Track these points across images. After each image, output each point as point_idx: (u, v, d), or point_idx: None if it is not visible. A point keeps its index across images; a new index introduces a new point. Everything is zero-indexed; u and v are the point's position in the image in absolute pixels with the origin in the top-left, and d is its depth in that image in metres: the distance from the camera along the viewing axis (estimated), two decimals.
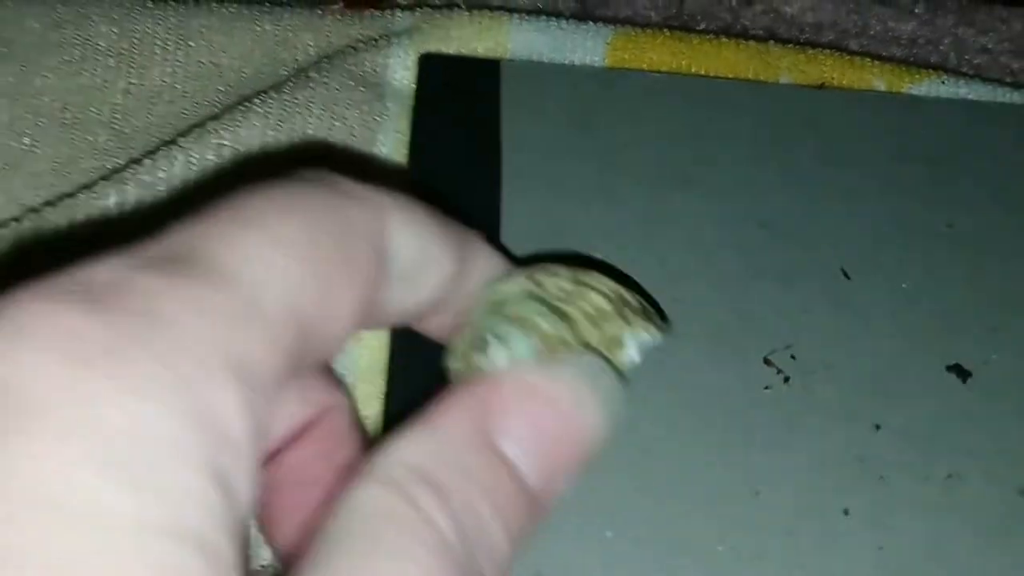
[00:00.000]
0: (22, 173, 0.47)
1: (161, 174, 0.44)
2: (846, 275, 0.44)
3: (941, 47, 0.63)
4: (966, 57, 0.63)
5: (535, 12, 0.58)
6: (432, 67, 0.51)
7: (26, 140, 0.48)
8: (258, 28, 0.53)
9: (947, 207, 0.47)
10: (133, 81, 0.51)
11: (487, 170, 0.47)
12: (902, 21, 0.64)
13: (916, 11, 0.65)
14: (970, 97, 0.55)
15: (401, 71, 0.52)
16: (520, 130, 0.48)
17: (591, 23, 0.55)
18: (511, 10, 0.56)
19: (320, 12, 0.55)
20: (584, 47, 0.54)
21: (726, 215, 0.46)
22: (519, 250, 0.43)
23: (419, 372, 0.36)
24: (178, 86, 0.51)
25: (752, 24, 0.62)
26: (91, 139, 0.49)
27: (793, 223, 0.46)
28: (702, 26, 0.62)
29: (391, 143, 0.49)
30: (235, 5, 0.54)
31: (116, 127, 0.49)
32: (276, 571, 0.36)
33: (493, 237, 0.41)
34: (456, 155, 0.48)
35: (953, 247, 0.46)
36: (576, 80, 0.51)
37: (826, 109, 0.52)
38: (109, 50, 0.51)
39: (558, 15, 0.59)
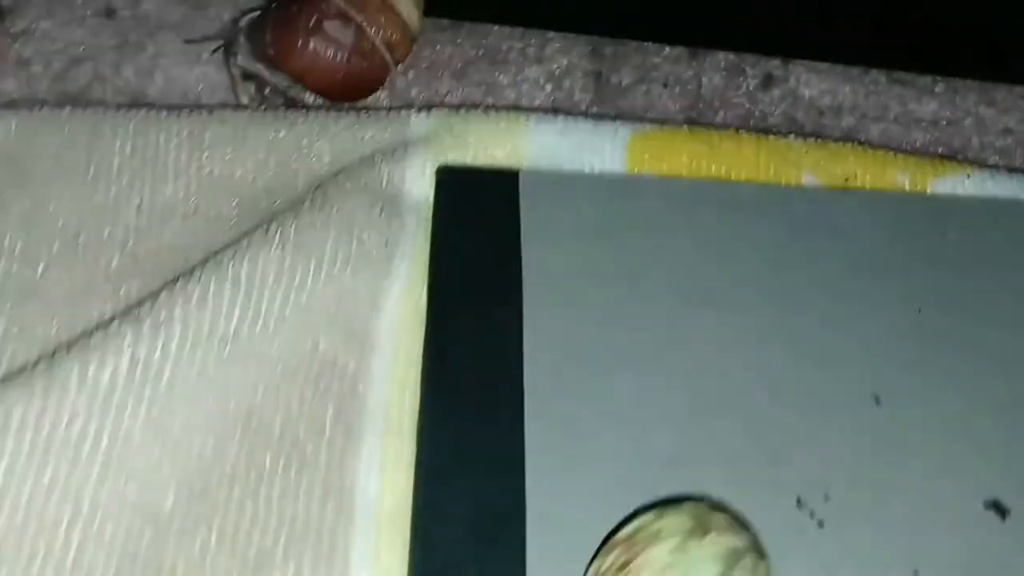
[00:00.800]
0: (36, 302, 0.46)
1: (178, 310, 0.43)
2: (877, 401, 0.43)
3: (963, 128, 0.62)
4: (988, 139, 0.62)
5: (551, 110, 0.57)
6: (450, 181, 0.50)
7: (40, 267, 0.47)
8: (272, 136, 0.52)
9: (978, 319, 0.46)
10: (146, 200, 0.50)
11: (508, 288, 0.47)
12: (923, 102, 0.63)
13: (936, 90, 0.64)
14: (996, 193, 0.53)
15: (419, 182, 0.51)
16: (540, 245, 0.48)
17: (609, 122, 0.54)
18: (527, 109, 0.55)
19: (335, 115, 0.54)
20: (603, 150, 0.53)
21: (753, 335, 0.45)
22: (542, 371, 0.43)
23: (446, 516, 0.35)
24: (192, 201, 0.50)
25: (770, 110, 0.61)
26: (104, 262, 0.48)
27: (821, 342, 0.45)
28: (720, 115, 0.61)
29: (408, 264, 0.48)
30: (249, 113, 0.53)
31: (128, 250, 0.48)
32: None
33: (515, 356, 0.41)
34: (477, 272, 0.47)
35: (986, 365, 0.45)
36: (596, 190, 0.50)
37: (850, 211, 0.51)
38: (122, 167, 0.50)
39: (574, 110, 0.58)
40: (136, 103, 0.57)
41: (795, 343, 0.45)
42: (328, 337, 0.46)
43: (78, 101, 0.58)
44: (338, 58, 0.53)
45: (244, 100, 0.56)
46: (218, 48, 0.57)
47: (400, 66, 0.60)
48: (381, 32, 0.55)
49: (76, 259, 0.48)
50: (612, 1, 0.60)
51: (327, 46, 0.53)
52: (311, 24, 0.53)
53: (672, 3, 0.60)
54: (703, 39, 0.63)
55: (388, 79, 0.57)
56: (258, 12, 0.57)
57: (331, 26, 0.54)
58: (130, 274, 0.47)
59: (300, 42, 0.53)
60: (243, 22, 0.56)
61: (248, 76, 0.56)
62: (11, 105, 0.56)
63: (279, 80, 0.55)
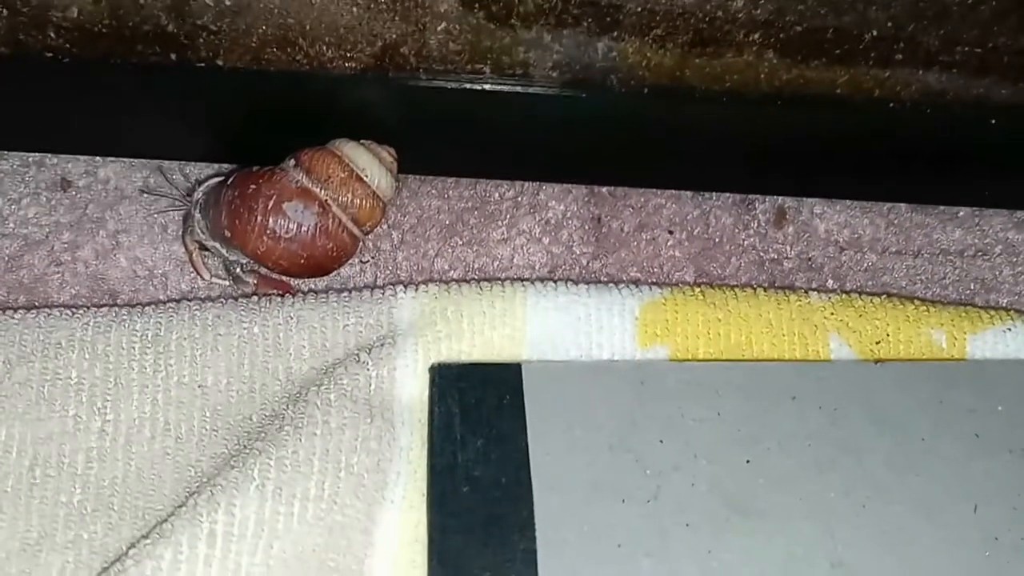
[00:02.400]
0: None
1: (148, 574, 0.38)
2: None
3: (994, 259, 0.57)
4: (1021, 269, 0.57)
5: (550, 275, 0.52)
6: (446, 381, 0.45)
7: None
8: (245, 331, 0.47)
9: None
10: (109, 418, 0.45)
11: (518, 507, 0.42)
12: (947, 230, 0.58)
13: (960, 215, 0.59)
14: None
15: (410, 382, 0.46)
16: (550, 455, 0.43)
17: (614, 292, 0.49)
18: (523, 280, 0.50)
19: (311, 301, 0.48)
20: (611, 326, 0.48)
21: (792, 551, 0.42)
22: None
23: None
24: (160, 417, 0.45)
25: (785, 251, 0.56)
26: (64, 500, 0.43)
27: (862, 560, 0.40)
28: (732, 261, 0.55)
29: (403, 485, 0.43)
30: (218, 305, 0.48)
31: (91, 480, 0.43)
32: None
33: None
34: (482, 492, 0.42)
35: None
36: (607, 381, 0.46)
37: (883, 386, 0.46)
38: (81, 382, 0.45)
39: (575, 265, 0.54)
40: (95, 291, 0.52)
41: (838, 563, 0.40)
42: None
43: (32, 293, 0.52)
44: (299, 240, 0.49)
45: (205, 276, 0.51)
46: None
47: (382, 226, 0.55)
48: (347, 207, 0.50)
49: (31, 500, 0.42)
50: (607, 152, 0.55)
51: (288, 227, 0.48)
52: (270, 205, 0.48)
53: (673, 152, 0.55)
54: (708, 184, 0.58)
55: (359, 248, 0.52)
56: (217, 179, 0.52)
57: (291, 207, 0.49)
58: (93, 512, 0.42)
59: (257, 226, 0.48)
60: (198, 194, 0.51)
61: (206, 249, 0.52)
62: None
63: (238, 258, 0.50)
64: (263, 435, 0.43)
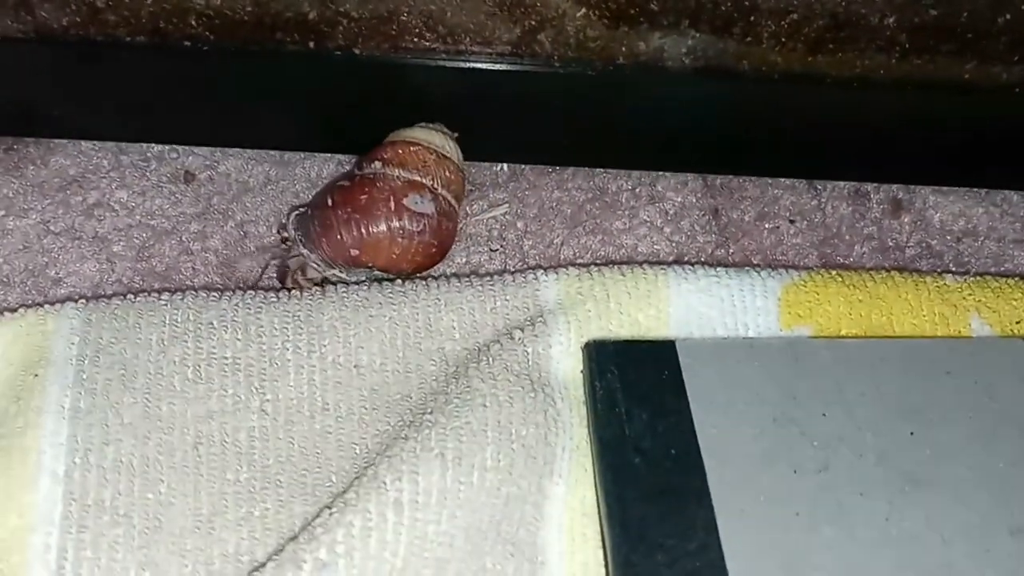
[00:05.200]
0: (163, 535, 0.40)
1: (340, 547, 0.37)
2: None
3: None
4: None
5: (687, 263, 0.52)
6: (603, 357, 0.45)
7: (162, 488, 0.41)
8: (395, 313, 0.47)
9: None
10: (268, 397, 0.44)
11: (690, 475, 0.42)
12: None
13: None
14: None
15: (564, 360, 0.46)
16: (715, 425, 0.44)
17: (754, 275, 0.49)
18: (663, 263, 0.50)
19: (456, 284, 0.48)
20: (754, 306, 0.48)
21: (969, 520, 0.42)
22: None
23: None
24: (318, 397, 0.45)
25: (904, 239, 0.57)
26: (231, 477, 0.42)
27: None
28: (856, 249, 0.56)
29: (568, 458, 0.43)
30: (364, 288, 0.48)
31: (256, 458, 0.43)
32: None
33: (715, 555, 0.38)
34: (651, 459, 0.42)
35: None
36: (760, 357, 0.46)
37: None
38: (236, 362, 0.45)
39: (700, 254, 0.55)
40: (228, 279, 0.52)
41: (1011, 526, 0.40)
42: (494, 556, 0.40)
43: (166, 280, 0.52)
44: (429, 229, 0.50)
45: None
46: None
47: (507, 216, 0.55)
48: (447, 185, 0.51)
49: (199, 476, 0.42)
50: (727, 141, 0.55)
51: (417, 221, 0.48)
52: (392, 207, 0.48)
53: (788, 139, 0.55)
54: (822, 172, 0.59)
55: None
56: (298, 212, 0.52)
57: (411, 202, 0.49)
58: (261, 490, 0.42)
59: (389, 230, 0.48)
60: (294, 234, 0.50)
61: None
62: (97, 289, 0.51)
63: (361, 276, 0.50)
64: (429, 409, 0.43)
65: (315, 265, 0.49)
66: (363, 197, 0.48)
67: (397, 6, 0.50)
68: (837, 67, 0.52)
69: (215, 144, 0.57)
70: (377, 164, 0.50)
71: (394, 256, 0.48)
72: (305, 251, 0.49)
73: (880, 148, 0.57)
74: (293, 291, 0.48)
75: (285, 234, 0.50)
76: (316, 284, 0.49)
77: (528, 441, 0.42)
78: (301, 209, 0.51)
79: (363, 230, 0.48)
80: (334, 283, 0.49)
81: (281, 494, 0.42)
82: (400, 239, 0.48)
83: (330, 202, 0.48)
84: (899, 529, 0.41)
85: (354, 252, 0.48)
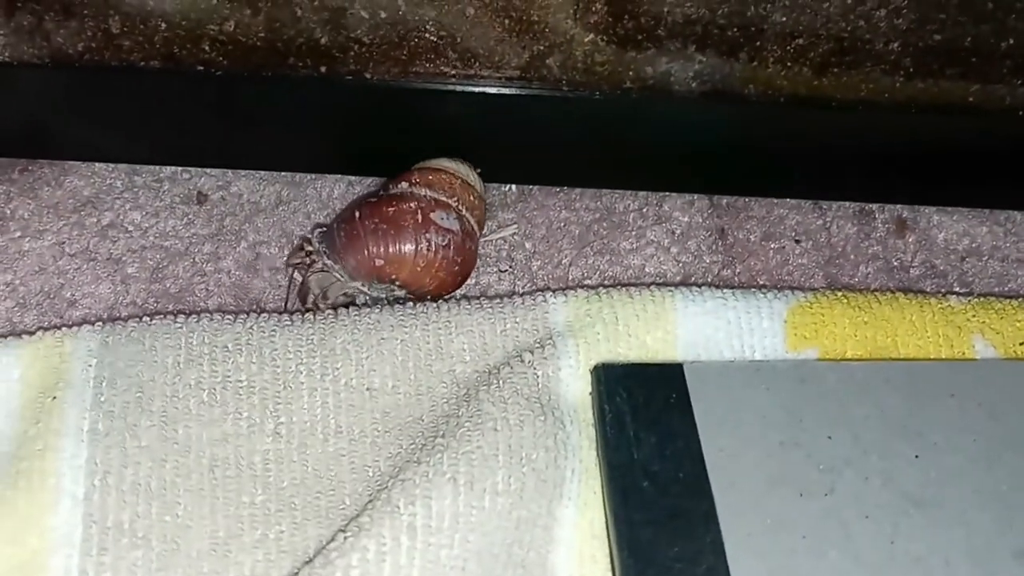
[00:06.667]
0: (180, 558, 0.41)
1: (355, 572, 0.38)
2: None
3: None
4: None
5: (693, 285, 0.53)
6: (611, 380, 0.46)
7: (179, 512, 0.42)
8: (407, 335, 0.48)
9: None
10: (282, 420, 0.45)
11: (699, 499, 0.43)
12: None
13: None
14: None
15: (573, 382, 0.47)
16: (722, 449, 0.44)
17: (760, 296, 0.50)
18: (669, 285, 0.51)
19: (466, 306, 0.49)
20: (760, 328, 0.49)
21: (973, 542, 0.42)
22: None
23: None
24: (331, 420, 0.46)
25: (909, 259, 0.57)
26: (247, 500, 0.43)
27: None
28: (860, 269, 0.56)
29: (578, 481, 0.44)
30: (376, 311, 0.49)
31: (271, 481, 0.44)
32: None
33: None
34: (659, 483, 0.43)
35: None
36: (766, 380, 0.47)
37: None
38: (251, 385, 0.46)
39: (707, 274, 0.56)
40: (241, 301, 0.53)
41: (1015, 548, 0.40)
42: None
43: (180, 301, 0.53)
44: (454, 245, 0.51)
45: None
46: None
47: (515, 237, 0.56)
48: (471, 209, 0.53)
49: (215, 499, 0.43)
50: (733, 162, 0.56)
51: (442, 236, 0.49)
52: (419, 219, 0.49)
53: (794, 160, 0.56)
54: (827, 193, 0.59)
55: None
56: (321, 230, 0.52)
57: (438, 216, 0.50)
58: (277, 513, 0.42)
59: (414, 241, 0.49)
60: (319, 247, 0.51)
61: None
62: (111, 310, 0.51)
63: (384, 292, 0.51)
64: (441, 432, 0.43)
65: (338, 276, 0.50)
66: (391, 210, 0.49)
67: (408, 32, 0.50)
68: (842, 90, 0.53)
69: (227, 166, 0.58)
70: (404, 185, 0.51)
71: (418, 269, 0.49)
72: (329, 262, 0.49)
73: (885, 169, 0.57)
74: (307, 314, 0.48)
75: (309, 248, 0.51)
76: (337, 307, 0.49)
77: (538, 464, 0.43)
78: (324, 228, 0.52)
79: (389, 241, 0.49)
80: (356, 304, 0.50)
81: (296, 516, 0.43)
82: (426, 252, 0.49)
83: (358, 215, 0.50)
84: (904, 551, 0.41)
85: (379, 263, 0.49)
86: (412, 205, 0.49)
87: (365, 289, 0.50)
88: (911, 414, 0.45)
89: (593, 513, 0.44)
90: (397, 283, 0.49)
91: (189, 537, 0.42)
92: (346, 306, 0.50)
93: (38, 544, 0.40)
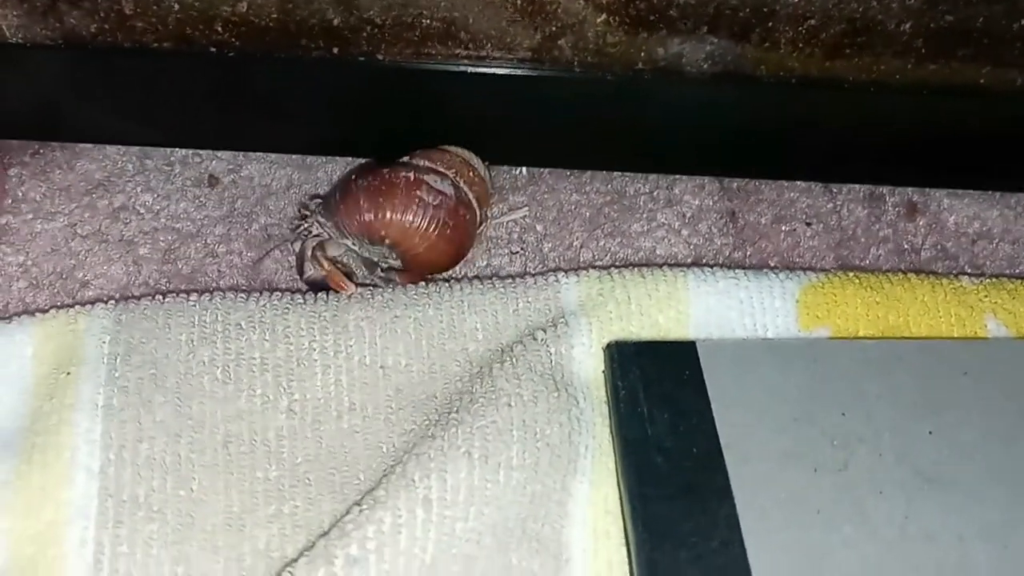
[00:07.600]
0: (195, 532, 0.41)
1: (371, 543, 0.38)
2: None
3: None
4: None
5: (705, 265, 0.53)
6: (624, 358, 0.46)
7: (194, 486, 0.42)
8: (420, 314, 0.48)
9: None
10: (296, 397, 0.45)
11: (712, 475, 0.43)
12: None
13: None
14: None
15: (586, 360, 0.47)
16: (735, 425, 0.44)
17: (772, 276, 0.50)
18: (681, 265, 0.51)
19: (479, 286, 0.49)
20: (773, 308, 0.49)
21: (989, 518, 0.42)
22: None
23: None
24: (344, 397, 0.46)
25: (920, 242, 0.57)
26: (261, 476, 0.43)
27: None
28: (872, 251, 0.56)
29: (591, 458, 0.44)
30: (389, 291, 0.49)
31: (284, 457, 0.44)
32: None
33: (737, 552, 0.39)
34: (673, 458, 0.43)
35: None
36: (779, 358, 0.47)
37: None
38: (264, 362, 0.46)
39: (718, 256, 0.56)
40: (253, 281, 0.53)
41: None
42: (520, 553, 0.41)
43: (192, 282, 0.53)
44: (445, 207, 0.50)
45: (350, 289, 0.51)
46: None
47: (526, 220, 0.56)
48: (471, 184, 0.53)
49: (230, 474, 0.43)
50: (744, 144, 0.56)
51: (433, 195, 0.49)
52: (412, 178, 0.50)
53: (805, 142, 0.56)
54: (837, 175, 0.59)
55: (481, 229, 0.55)
56: (318, 200, 0.53)
57: (431, 179, 0.50)
58: (291, 488, 0.42)
59: (405, 197, 0.49)
60: (312, 206, 0.52)
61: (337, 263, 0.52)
62: (124, 291, 0.51)
63: (378, 255, 0.51)
64: (455, 408, 0.43)
65: (330, 234, 0.50)
66: (386, 171, 0.50)
67: (420, 13, 0.51)
68: (854, 72, 0.53)
69: (238, 148, 0.58)
70: (404, 159, 0.51)
71: (407, 227, 0.49)
72: (322, 219, 0.50)
73: (895, 151, 0.57)
74: (309, 276, 0.49)
75: (305, 212, 0.51)
76: (331, 265, 0.50)
77: (552, 440, 0.43)
78: (321, 198, 0.53)
79: (380, 197, 0.49)
80: (354, 272, 0.50)
81: (310, 492, 0.43)
82: (416, 208, 0.49)
83: (354, 176, 0.51)
84: (917, 527, 0.41)
85: (368, 217, 0.49)
86: (407, 171, 0.50)
87: (356, 248, 0.49)
88: (925, 392, 0.45)
89: (607, 489, 0.44)
90: (387, 242, 0.49)
91: (204, 511, 0.42)
92: (348, 276, 0.49)
93: (54, 516, 0.41)
